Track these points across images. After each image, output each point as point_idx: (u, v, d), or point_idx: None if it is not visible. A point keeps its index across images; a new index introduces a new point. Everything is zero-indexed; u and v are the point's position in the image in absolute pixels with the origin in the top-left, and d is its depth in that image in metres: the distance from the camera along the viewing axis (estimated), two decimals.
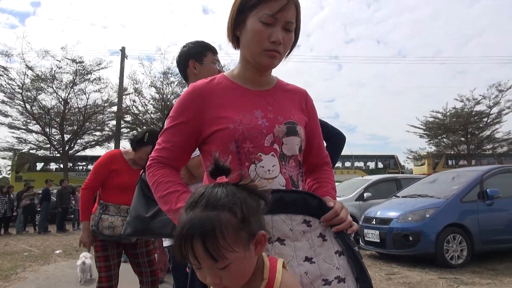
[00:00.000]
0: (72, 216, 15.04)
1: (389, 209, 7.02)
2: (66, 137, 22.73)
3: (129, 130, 22.66)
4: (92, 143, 23.91)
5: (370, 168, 28.12)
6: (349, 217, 1.12)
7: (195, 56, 2.06)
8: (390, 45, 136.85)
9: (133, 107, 21.59)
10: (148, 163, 1.23)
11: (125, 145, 20.88)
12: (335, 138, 2.36)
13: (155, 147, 1.25)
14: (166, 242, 2.05)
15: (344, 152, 2.75)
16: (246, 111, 1.18)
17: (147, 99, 21.35)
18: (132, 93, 21.34)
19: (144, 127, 19.43)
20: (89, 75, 21.87)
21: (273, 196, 1.01)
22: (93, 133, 23.98)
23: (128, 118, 22.22)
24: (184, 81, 1.43)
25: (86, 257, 5.51)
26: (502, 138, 25.65)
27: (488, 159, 27.10)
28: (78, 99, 22.23)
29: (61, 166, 23.99)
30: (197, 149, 1.27)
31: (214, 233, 0.74)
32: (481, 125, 25.40)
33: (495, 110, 24.62)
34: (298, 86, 1.36)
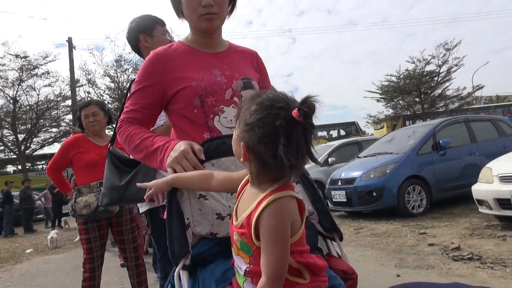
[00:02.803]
0: (41, 215, 14.72)
1: (352, 170, 7.36)
2: (21, 137, 21.72)
3: None
4: (50, 140, 22.95)
5: (333, 136, 28.76)
6: None
7: (144, 30, 2.11)
8: (340, 15, 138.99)
9: (88, 98, 20.83)
10: (117, 125, 1.30)
11: None
12: None
13: (123, 111, 1.32)
14: (143, 208, 2.11)
15: None
16: (205, 70, 1.29)
17: (102, 90, 20.62)
18: (85, 84, 20.52)
19: None
20: (36, 70, 20.86)
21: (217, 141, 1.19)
22: (49, 130, 23.02)
23: None
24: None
25: (54, 233, 8.47)
26: (452, 95, 26.94)
27: (441, 116, 28.40)
28: (28, 96, 21.25)
29: (19, 167, 22.97)
30: (159, 118, 1.36)
31: None
32: (432, 84, 26.45)
33: (444, 68, 25.71)
34: (249, 47, 1.49)
